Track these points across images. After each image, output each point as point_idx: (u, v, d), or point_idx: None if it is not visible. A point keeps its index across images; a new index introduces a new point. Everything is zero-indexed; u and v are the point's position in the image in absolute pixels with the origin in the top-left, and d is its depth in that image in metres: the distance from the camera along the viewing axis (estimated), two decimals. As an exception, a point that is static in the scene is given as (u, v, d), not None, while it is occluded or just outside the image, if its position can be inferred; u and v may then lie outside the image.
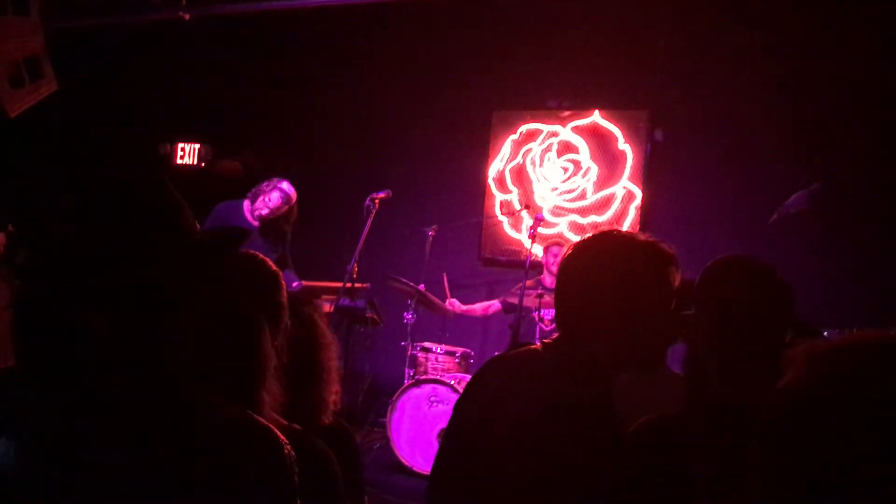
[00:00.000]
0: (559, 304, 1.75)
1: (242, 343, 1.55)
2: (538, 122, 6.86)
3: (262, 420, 1.26)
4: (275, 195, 5.33)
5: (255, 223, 5.46)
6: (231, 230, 1.66)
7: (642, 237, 1.75)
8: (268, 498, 1.19)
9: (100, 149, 7.47)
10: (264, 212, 5.33)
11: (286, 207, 5.37)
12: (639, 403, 2.26)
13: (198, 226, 1.41)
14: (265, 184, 5.42)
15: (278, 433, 1.23)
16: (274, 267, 1.75)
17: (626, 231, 1.81)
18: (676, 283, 1.72)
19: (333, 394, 1.99)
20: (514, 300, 5.74)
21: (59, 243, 1.20)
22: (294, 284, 5.63)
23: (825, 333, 4.34)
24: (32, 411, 1.17)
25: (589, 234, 1.78)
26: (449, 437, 1.81)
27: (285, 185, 5.36)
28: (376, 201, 5.19)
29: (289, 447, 1.23)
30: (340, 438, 1.99)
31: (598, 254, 1.71)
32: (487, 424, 1.66)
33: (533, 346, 1.78)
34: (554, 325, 6.05)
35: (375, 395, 6.58)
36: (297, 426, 1.66)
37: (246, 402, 1.44)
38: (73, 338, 1.17)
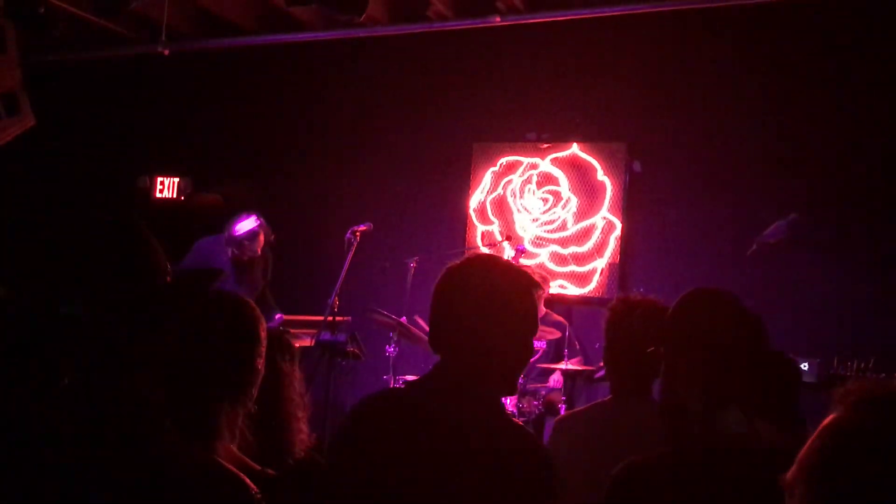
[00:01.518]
0: (435, 329, 1.78)
1: (216, 385, 1.53)
2: (518, 154, 6.89)
3: (231, 467, 1.24)
4: (245, 245, 5.35)
5: (235, 259, 5.44)
6: (202, 272, 1.64)
7: (507, 262, 1.87)
8: None
9: (74, 185, 7.43)
10: (251, 257, 5.36)
11: (260, 241, 5.38)
12: (631, 430, 2.25)
13: (168, 267, 1.40)
14: (230, 231, 5.40)
15: (246, 481, 1.21)
16: (255, 310, 1.71)
17: (493, 254, 1.94)
18: (539, 307, 1.81)
19: (300, 430, 1.97)
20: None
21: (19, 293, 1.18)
22: (276, 317, 5.60)
23: (804, 366, 4.36)
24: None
25: (459, 260, 1.83)
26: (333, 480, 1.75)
27: (241, 226, 5.35)
28: (357, 234, 5.19)
29: (259, 496, 1.21)
30: (313, 473, 1.96)
31: (469, 277, 1.75)
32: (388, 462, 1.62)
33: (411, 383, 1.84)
34: (535, 357, 6.06)
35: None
36: (271, 471, 1.63)
37: (211, 444, 1.41)
38: (38, 382, 1.15)
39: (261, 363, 1.65)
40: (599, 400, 2.61)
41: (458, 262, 1.81)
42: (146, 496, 1.13)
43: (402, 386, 1.69)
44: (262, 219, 5.55)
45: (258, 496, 1.21)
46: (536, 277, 1.82)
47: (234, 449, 1.55)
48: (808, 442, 0.99)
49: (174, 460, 1.20)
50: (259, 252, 5.47)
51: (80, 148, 7.81)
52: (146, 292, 1.25)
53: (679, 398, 1.72)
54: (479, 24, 6.10)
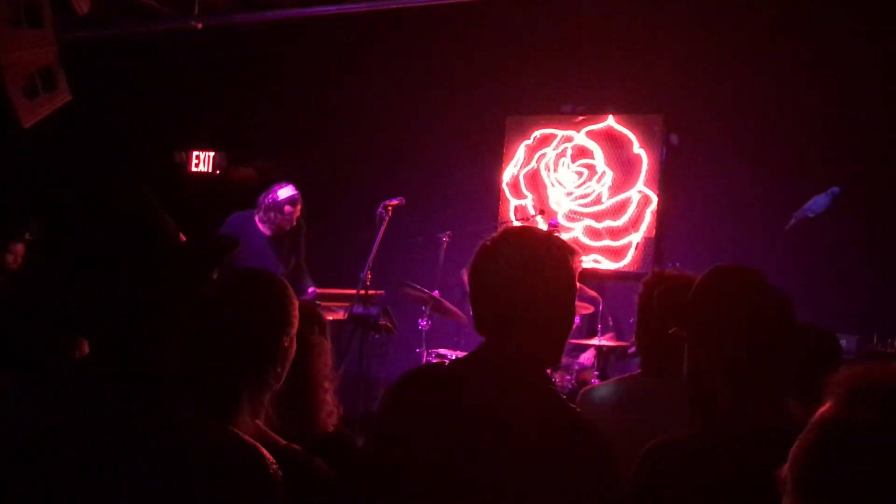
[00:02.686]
0: (477, 309, 1.72)
1: (237, 361, 1.52)
2: (552, 126, 6.82)
3: (248, 438, 1.24)
4: (286, 209, 5.36)
5: (266, 233, 5.46)
6: (217, 240, 1.63)
7: (540, 231, 1.80)
8: None
9: (110, 161, 7.51)
10: (289, 226, 5.38)
11: (298, 210, 5.41)
12: (657, 408, 2.21)
13: (183, 238, 1.39)
14: (267, 200, 5.42)
15: (263, 451, 1.21)
16: (287, 289, 1.69)
17: (525, 225, 1.80)
18: (578, 272, 1.75)
19: (329, 402, 1.97)
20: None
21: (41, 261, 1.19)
22: (309, 291, 5.63)
23: (843, 342, 4.27)
24: (19, 420, 1.15)
25: (494, 234, 1.76)
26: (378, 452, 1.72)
27: (283, 192, 5.38)
28: (389, 208, 5.17)
29: (275, 466, 1.20)
30: (342, 447, 1.96)
31: (503, 250, 1.69)
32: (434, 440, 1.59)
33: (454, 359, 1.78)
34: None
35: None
36: (296, 446, 1.63)
37: (230, 419, 1.41)
38: (55, 353, 1.16)
39: (288, 342, 1.63)
40: (628, 374, 2.57)
41: (490, 237, 1.76)
42: (157, 467, 1.13)
43: (443, 362, 1.65)
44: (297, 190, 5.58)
45: (274, 466, 1.20)
46: (568, 244, 1.76)
47: (259, 423, 1.55)
48: (799, 437, 0.92)
49: (186, 431, 1.20)
50: (295, 222, 5.50)
51: (116, 123, 7.88)
52: (158, 262, 1.24)
53: (706, 384, 1.67)
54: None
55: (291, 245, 5.59)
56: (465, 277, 1.82)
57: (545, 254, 1.69)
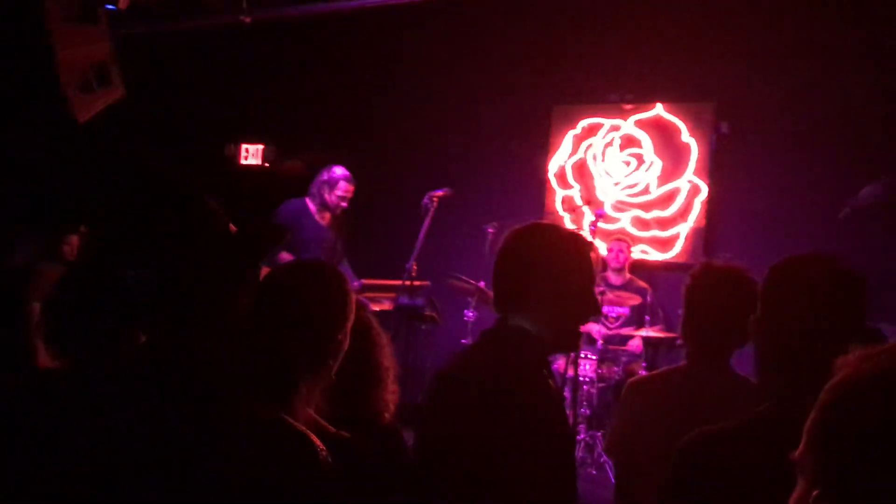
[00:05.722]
0: (498, 289, 1.91)
1: (293, 353, 1.54)
2: (599, 116, 6.75)
3: (298, 425, 1.26)
4: (342, 184, 5.43)
5: (322, 221, 5.52)
6: (268, 229, 1.66)
7: (560, 226, 2.08)
8: (301, 502, 1.18)
9: (163, 155, 7.65)
10: (343, 204, 5.45)
11: (351, 191, 5.49)
12: (703, 399, 2.18)
13: (233, 229, 1.42)
14: (323, 178, 5.48)
15: (313, 438, 1.23)
16: (346, 284, 1.72)
17: (551, 223, 2.12)
18: (595, 267, 1.97)
19: (391, 393, 2.00)
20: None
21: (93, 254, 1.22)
22: (354, 284, 5.68)
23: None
24: (71, 409, 1.19)
25: (519, 226, 1.97)
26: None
27: (339, 170, 5.46)
28: (435, 199, 5.19)
29: (325, 452, 1.22)
30: (394, 438, 1.99)
31: (533, 241, 1.90)
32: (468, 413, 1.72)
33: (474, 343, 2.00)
34: (618, 323, 5.96)
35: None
36: (346, 433, 1.65)
37: (285, 406, 1.44)
38: (107, 342, 1.19)
39: (342, 337, 1.65)
40: (675, 365, 2.54)
41: (515, 227, 1.96)
42: (211, 453, 1.15)
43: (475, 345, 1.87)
44: None
45: (324, 453, 1.22)
46: (583, 236, 2.04)
47: (310, 412, 1.58)
48: (813, 411, 0.89)
49: (239, 418, 1.22)
50: (347, 203, 5.58)
51: (168, 118, 8.03)
52: (208, 251, 1.27)
53: (778, 379, 1.62)
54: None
55: (339, 234, 5.66)
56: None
57: (557, 243, 1.88)
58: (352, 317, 1.68)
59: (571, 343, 1.98)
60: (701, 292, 2.34)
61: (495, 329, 1.88)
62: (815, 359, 1.56)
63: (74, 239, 5.54)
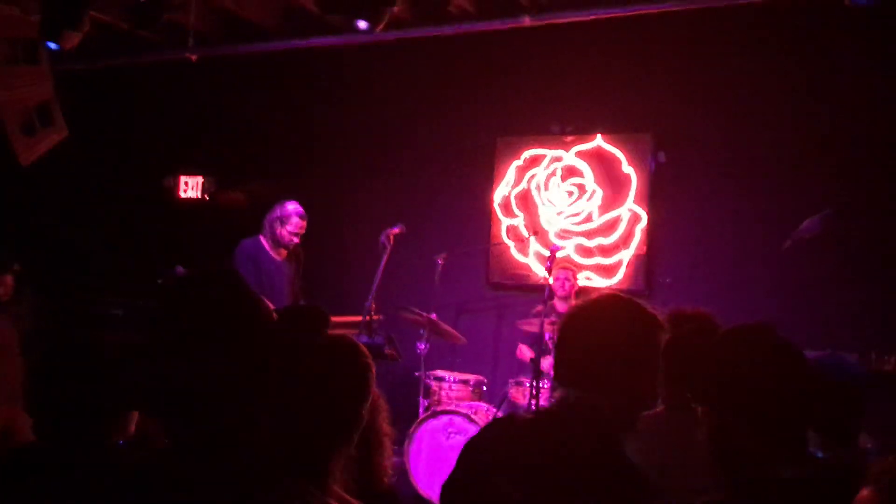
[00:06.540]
0: (563, 363, 1.85)
1: (330, 432, 1.57)
2: (542, 147, 6.90)
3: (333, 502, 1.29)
4: (294, 220, 5.41)
5: (278, 257, 5.50)
6: (308, 312, 1.68)
7: (635, 302, 1.91)
8: None
9: (103, 188, 7.50)
10: (295, 239, 5.41)
11: (304, 226, 5.47)
12: (680, 443, 2.26)
13: (274, 314, 1.44)
14: (275, 214, 5.46)
15: None
16: (367, 357, 1.74)
17: (620, 294, 1.97)
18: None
19: (389, 458, 2.02)
20: (529, 328, 5.76)
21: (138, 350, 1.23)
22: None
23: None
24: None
25: (591, 297, 1.92)
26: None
27: (291, 205, 5.45)
28: (391, 237, 5.22)
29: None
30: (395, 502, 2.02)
31: (602, 315, 1.84)
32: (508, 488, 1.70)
33: (538, 410, 1.89)
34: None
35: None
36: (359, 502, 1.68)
37: (326, 489, 1.47)
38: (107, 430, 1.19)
39: (366, 413, 1.69)
40: (651, 411, 2.62)
41: (587, 300, 1.91)
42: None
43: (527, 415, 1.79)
44: None
45: None
46: (661, 318, 1.89)
47: (338, 490, 1.60)
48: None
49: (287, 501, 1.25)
50: (299, 239, 5.55)
51: (108, 151, 7.88)
52: (258, 342, 1.30)
53: (733, 443, 1.70)
54: (508, 24, 6.08)
55: (297, 269, 5.65)
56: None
57: (636, 326, 1.82)
58: (373, 388, 1.72)
59: (632, 424, 1.87)
60: (673, 339, 2.44)
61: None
62: (772, 428, 1.66)
63: (9, 279, 5.40)
